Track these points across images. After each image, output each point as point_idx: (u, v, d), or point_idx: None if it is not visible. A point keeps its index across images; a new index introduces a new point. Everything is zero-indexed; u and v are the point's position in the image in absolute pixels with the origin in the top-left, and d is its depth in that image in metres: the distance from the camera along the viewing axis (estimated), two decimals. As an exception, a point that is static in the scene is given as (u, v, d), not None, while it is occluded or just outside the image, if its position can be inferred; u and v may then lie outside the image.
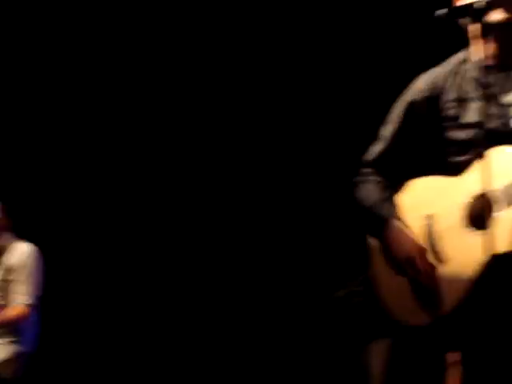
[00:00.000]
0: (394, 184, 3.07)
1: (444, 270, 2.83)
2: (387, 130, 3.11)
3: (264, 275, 5.68)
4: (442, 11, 2.76)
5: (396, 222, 2.96)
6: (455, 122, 2.97)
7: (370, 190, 3.08)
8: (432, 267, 2.85)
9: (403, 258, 2.89)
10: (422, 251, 2.87)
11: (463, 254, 2.77)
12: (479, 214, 2.72)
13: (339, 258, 5.25)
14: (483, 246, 2.65)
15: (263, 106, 5.73)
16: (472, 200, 2.82)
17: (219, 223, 5.80)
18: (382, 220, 2.99)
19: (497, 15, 2.82)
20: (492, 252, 2.66)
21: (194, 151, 5.86)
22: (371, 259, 3.06)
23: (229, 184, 5.76)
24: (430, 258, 2.87)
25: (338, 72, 5.55)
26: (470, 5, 2.79)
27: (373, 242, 3.04)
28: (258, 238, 5.71)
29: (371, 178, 3.10)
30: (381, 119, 3.11)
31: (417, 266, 2.86)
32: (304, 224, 5.62)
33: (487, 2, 2.73)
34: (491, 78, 2.88)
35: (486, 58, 2.90)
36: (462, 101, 2.98)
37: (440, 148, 3.01)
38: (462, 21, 2.90)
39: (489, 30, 2.82)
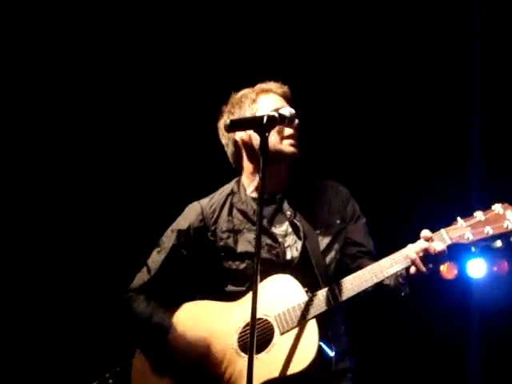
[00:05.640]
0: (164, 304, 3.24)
1: None
2: (155, 259, 3.28)
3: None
4: (227, 122, 2.94)
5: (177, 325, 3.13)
6: (230, 253, 3.19)
7: (139, 308, 3.22)
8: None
9: (197, 344, 3.07)
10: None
11: (239, 377, 2.96)
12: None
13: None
14: (258, 370, 2.79)
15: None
16: (245, 325, 3.02)
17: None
18: (163, 327, 3.15)
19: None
20: (265, 378, 2.91)
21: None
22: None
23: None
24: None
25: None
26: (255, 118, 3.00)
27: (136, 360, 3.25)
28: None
29: (137, 299, 3.25)
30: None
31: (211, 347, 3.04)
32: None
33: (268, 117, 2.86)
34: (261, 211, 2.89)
35: (256, 190, 3.06)
36: (234, 232, 3.19)
37: (217, 277, 3.21)
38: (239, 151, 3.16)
39: (263, 163, 2.80)
